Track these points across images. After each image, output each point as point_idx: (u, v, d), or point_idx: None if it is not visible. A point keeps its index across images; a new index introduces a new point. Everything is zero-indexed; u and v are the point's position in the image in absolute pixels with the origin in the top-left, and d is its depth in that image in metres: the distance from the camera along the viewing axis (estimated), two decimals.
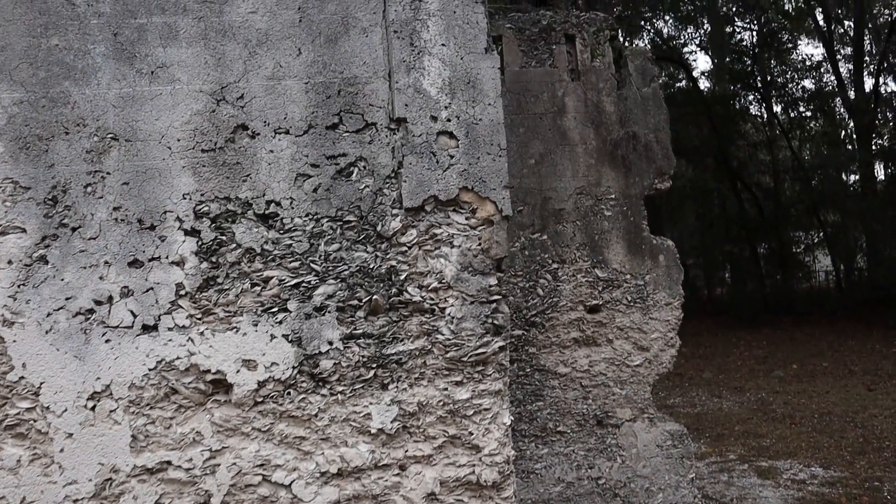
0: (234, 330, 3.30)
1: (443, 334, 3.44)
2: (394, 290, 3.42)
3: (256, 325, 3.31)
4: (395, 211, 3.42)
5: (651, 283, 7.27)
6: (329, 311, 3.36)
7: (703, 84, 23.55)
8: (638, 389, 7.19)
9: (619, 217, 7.25)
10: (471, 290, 3.45)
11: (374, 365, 3.40)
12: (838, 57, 19.76)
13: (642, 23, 22.64)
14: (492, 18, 7.16)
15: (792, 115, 21.72)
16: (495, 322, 3.49)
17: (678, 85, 22.81)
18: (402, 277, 3.42)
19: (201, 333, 3.28)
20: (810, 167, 20.29)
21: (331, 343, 3.35)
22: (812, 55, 27.99)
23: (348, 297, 3.39)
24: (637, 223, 7.28)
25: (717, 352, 16.96)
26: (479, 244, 3.47)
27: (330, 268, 3.38)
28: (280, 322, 3.33)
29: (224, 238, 3.32)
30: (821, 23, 18.76)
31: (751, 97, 21.49)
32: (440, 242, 3.45)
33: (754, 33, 21.47)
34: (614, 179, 7.27)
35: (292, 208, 3.37)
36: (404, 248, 3.43)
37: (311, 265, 3.37)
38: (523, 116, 7.13)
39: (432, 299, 3.44)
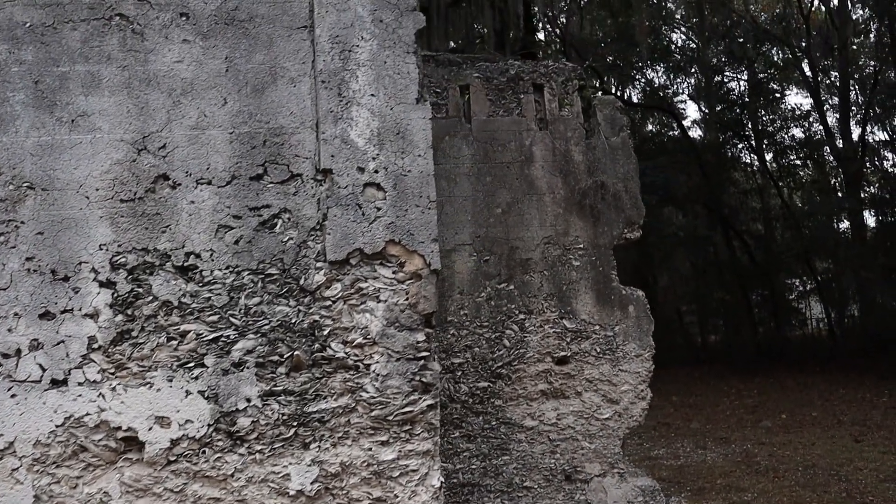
0: (148, 385, 3.18)
1: (367, 392, 3.32)
2: (317, 345, 3.31)
3: (171, 380, 3.20)
4: (319, 264, 3.33)
5: (621, 334, 7.13)
6: (248, 367, 3.25)
7: (695, 133, 23.76)
8: (608, 443, 7.00)
9: (587, 267, 7.15)
10: (397, 346, 3.34)
11: (295, 423, 3.27)
12: (826, 107, 19.94)
13: (633, 72, 22.91)
14: (460, 68, 7.20)
15: (782, 162, 21.81)
16: (423, 380, 3.37)
17: (670, 133, 22.96)
18: (326, 332, 3.32)
19: (113, 389, 3.16)
20: (801, 215, 20.29)
21: (249, 400, 3.23)
22: (801, 104, 28.20)
23: (269, 352, 3.27)
24: (606, 273, 7.18)
25: (707, 401, 16.69)
26: (407, 299, 3.37)
27: (250, 322, 3.28)
28: (196, 378, 3.21)
29: (141, 290, 3.23)
30: (808, 73, 18.98)
31: (741, 145, 21.62)
32: (366, 297, 3.35)
33: (744, 83, 21.71)
34: (583, 229, 7.19)
35: (212, 260, 3.28)
36: (328, 303, 3.33)
37: (231, 319, 3.26)
38: (490, 165, 7.09)
39: (357, 355, 3.33)
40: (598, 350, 7.08)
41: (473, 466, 6.67)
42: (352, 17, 3.47)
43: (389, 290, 3.36)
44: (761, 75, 21.04)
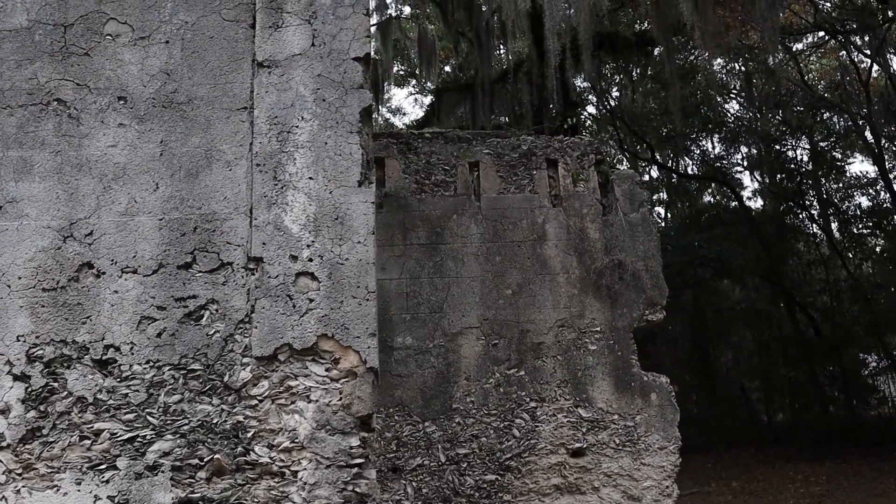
0: (55, 489, 2.95)
1: (293, 502, 3.00)
2: (240, 448, 3.03)
3: (80, 483, 2.95)
4: (245, 360, 3.08)
5: (642, 424, 6.59)
6: (163, 471, 2.98)
7: (754, 203, 22.96)
8: None
9: (604, 351, 6.70)
10: (327, 451, 3.03)
11: None
12: (892, 174, 18.93)
13: (688, 143, 22.44)
14: (469, 144, 7.02)
15: (848, 232, 20.72)
16: (357, 489, 3.03)
17: (728, 204, 22.23)
18: (250, 435, 3.04)
19: (18, 491, 2.94)
20: (870, 286, 19.08)
21: None
22: (865, 171, 27.00)
23: (187, 455, 3.01)
24: (625, 358, 6.71)
25: (769, 487, 15.43)
26: (340, 399, 3.07)
27: (168, 421, 3.03)
28: (107, 481, 2.96)
29: (56, 385, 3.03)
30: (870, 140, 18.14)
31: (803, 215, 20.69)
32: (296, 396, 3.07)
33: (803, 152, 20.95)
34: (599, 311, 6.77)
35: (132, 354, 3.07)
36: (254, 402, 3.06)
37: (149, 418, 3.03)
38: (500, 244, 6.81)
39: (283, 461, 3.02)
40: (618, 441, 6.54)
41: None
42: (292, 97, 3.32)
43: (321, 388, 3.07)
44: (822, 143, 20.26)
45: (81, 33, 3.38)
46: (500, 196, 6.91)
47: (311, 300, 3.11)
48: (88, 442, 2.99)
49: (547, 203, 6.93)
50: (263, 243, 3.16)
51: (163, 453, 3.00)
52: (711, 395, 20.42)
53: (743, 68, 19.29)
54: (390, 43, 19.85)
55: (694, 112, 19.59)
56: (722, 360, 21.98)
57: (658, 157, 22.22)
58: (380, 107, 21.80)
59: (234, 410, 3.05)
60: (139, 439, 3.01)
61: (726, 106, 21.32)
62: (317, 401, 3.05)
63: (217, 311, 3.12)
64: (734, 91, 21.16)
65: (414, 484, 6.30)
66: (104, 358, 3.06)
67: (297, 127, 3.29)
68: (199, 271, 3.16)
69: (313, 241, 3.17)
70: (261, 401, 3.06)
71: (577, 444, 6.50)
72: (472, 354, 6.58)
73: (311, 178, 3.24)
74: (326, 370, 3.08)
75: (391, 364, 6.49)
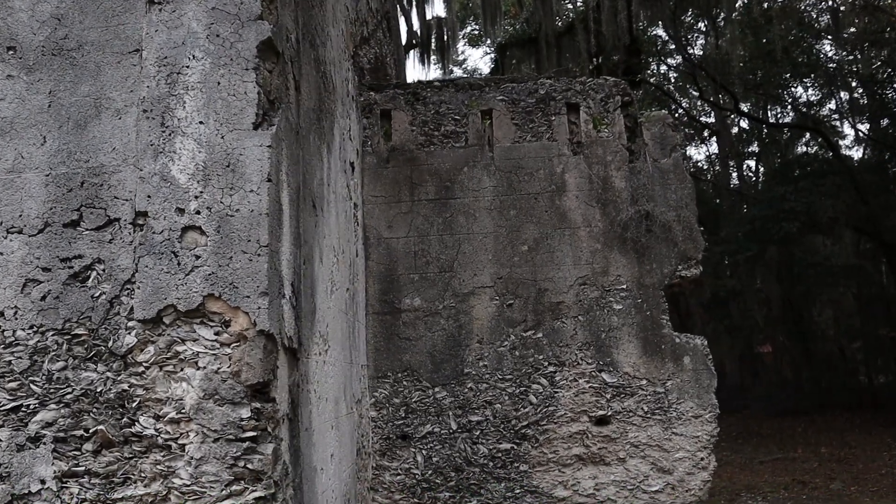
0: None
1: (181, 478, 2.75)
2: (125, 419, 2.80)
3: None
4: (130, 324, 2.83)
5: (674, 390, 6.01)
6: (45, 443, 2.79)
7: (856, 153, 21.08)
8: None
9: (631, 311, 6.12)
10: (214, 423, 2.75)
11: None
12: None
13: (779, 91, 20.76)
14: (482, 91, 6.53)
15: None
16: (249, 466, 2.75)
17: (821, 154, 20.51)
18: (136, 405, 2.80)
19: None
20: None
21: (43, 482, 2.77)
22: None
23: (71, 426, 2.81)
24: (655, 318, 6.11)
25: (862, 455, 14.24)
26: (230, 366, 2.78)
27: (52, 390, 2.83)
28: None
29: None
30: None
31: None
32: (184, 362, 2.80)
33: None
34: (625, 267, 6.19)
35: (15, 319, 2.88)
36: (141, 369, 2.82)
37: (32, 386, 2.84)
38: (515, 197, 6.32)
39: (169, 433, 2.77)
40: (646, 409, 6.00)
41: None
42: (184, 35, 2.99)
43: (210, 354, 2.78)
44: None
45: None
46: (514, 145, 6.40)
47: (198, 257, 2.81)
48: None
49: (567, 151, 6.37)
50: (149, 196, 2.88)
51: (45, 424, 2.81)
52: (807, 356, 19.08)
53: (840, 6, 17.53)
54: (455, 2, 19.29)
55: (784, 56, 18.02)
56: (817, 319, 20.46)
57: (744, 107, 20.67)
58: (449, 66, 21.30)
59: (120, 378, 2.81)
60: (23, 409, 2.82)
61: (820, 47, 19.52)
62: (204, 367, 2.77)
63: (104, 271, 2.88)
64: (828, 31, 19.34)
65: (424, 452, 6.00)
66: None
67: (187, 67, 2.97)
68: (86, 229, 2.92)
69: (202, 192, 2.86)
70: (147, 368, 2.81)
71: (601, 412, 6.00)
72: (485, 316, 6.16)
73: (201, 122, 2.92)
74: (216, 334, 2.79)
75: (399, 327, 6.17)
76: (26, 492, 2.77)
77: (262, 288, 2.79)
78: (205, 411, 2.75)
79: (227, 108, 2.93)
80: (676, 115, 21.68)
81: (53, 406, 2.82)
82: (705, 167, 24.25)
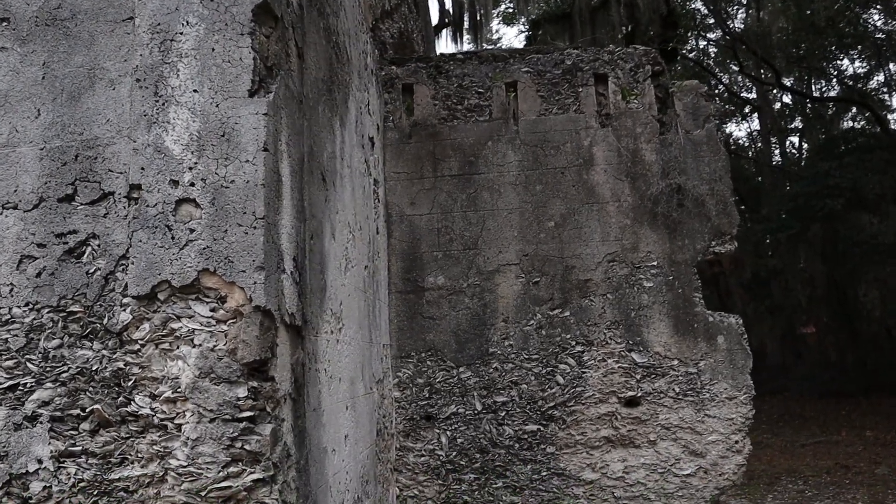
0: None
1: (177, 459, 2.66)
2: (122, 398, 2.72)
3: None
4: (125, 300, 2.74)
5: (707, 370, 5.78)
6: (41, 422, 2.73)
7: None
8: None
9: (662, 289, 5.90)
10: (210, 403, 2.65)
11: (96, 492, 2.69)
12: None
13: (824, 63, 20.01)
14: (506, 63, 6.32)
15: None
16: (247, 447, 2.65)
17: (869, 129, 19.73)
18: (132, 383, 2.71)
19: None
20: None
21: (40, 462, 2.71)
22: None
23: (68, 405, 2.74)
24: (687, 296, 5.87)
25: None
26: (226, 343, 2.67)
27: (48, 369, 2.76)
28: None
29: None
30: None
31: None
32: (179, 340, 2.71)
33: None
34: (656, 243, 5.95)
35: (12, 296, 2.81)
36: (136, 347, 2.73)
37: (28, 365, 2.77)
38: (541, 171, 6.11)
39: (165, 413, 2.68)
40: (678, 390, 5.78)
41: None
42: (177, 0, 2.87)
43: (206, 331, 2.68)
44: None
45: None
46: (540, 118, 6.19)
47: (192, 230, 2.71)
48: None
49: (594, 123, 6.14)
50: (142, 168, 2.78)
51: (42, 403, 2.74)
52: (852, 337, 18.48)
53: None
54: None
55: (829, 27, 17.32)
56: (863, 299, 19.78)
57: (787, 81, 19.97)
58: (482, 45, 21.01)
59: (115, 356, 2.73)
60: (21, 387, 2.76)
61: (868, 17, 18.71)
62: (200, 345, 2.67)
63: (98, 246, 2.80)
64: (876, 0, 18.53)
65: (448, 433, 5.89)
66: None
67: (181, 34, 2.85)
68: (81, 203, 2.84)
69: (196, 163, 2.75)
70: (143, 345, 2.72)
71: (631, 393, 5.81)
72: (511, 294, 6.00)
73: (195, 90, 2.80)
74: (212, 310, 2.69)
75: (422, 306, 6.05)
76: (24, 471, 2.72)
77: (258, 262, 2.68)
78: (201, 390, 2.66)
79: (222, 75, 2.81)
80: (717, 90, 21.06)
81: (50, 385, 2.75)
82: (746, 144, 23.57)
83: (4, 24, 3.02)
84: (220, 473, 2.64)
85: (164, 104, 2.81)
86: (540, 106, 6.21)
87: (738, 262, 18.02)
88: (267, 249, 2.71)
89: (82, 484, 2.70)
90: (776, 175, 19.64)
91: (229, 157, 2.75)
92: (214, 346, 2.67)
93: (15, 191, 2.88)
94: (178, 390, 2.68)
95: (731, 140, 22.36)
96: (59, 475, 2.71)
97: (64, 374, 2.75)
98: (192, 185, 2.74)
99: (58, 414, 2.74)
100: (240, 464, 2.65)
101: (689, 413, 5.76)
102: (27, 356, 2.78)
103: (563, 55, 6.30)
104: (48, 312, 2.79)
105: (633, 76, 6.21)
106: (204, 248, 2.70)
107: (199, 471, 2.65)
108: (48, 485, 2.71)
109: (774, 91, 20.46)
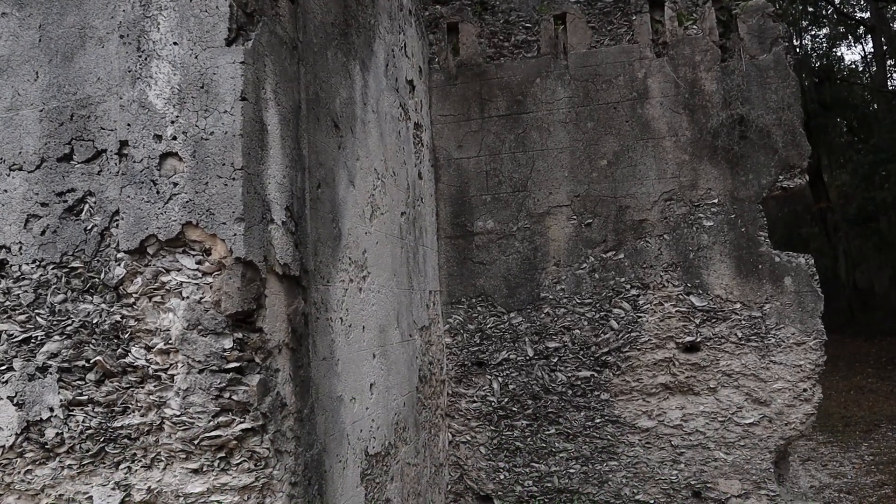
0: None
1: (172, 408, 2.74)
2: (120, 350, 2.82)
3: None
4: (119, 255, 2.81)
5: (773, 314, 5.43)
6: (51, 373, 2.87)
7: None
8: (752, 456, 5.40)
9: (723, 228, 5.54)
10: (198, 354, 2.70)
11: (102, 439, 2.82)
12: None
13: None
14: None
15: None
16: (235, 398, 2.69)
17: None
18: (128, 336, 2.80)
19: None
20: None
21: (52, 410, 2.86)
22: None
23: (74, 356, 2.86)
24: (751, 235, 5.49)
25: None
26: (212, 295, 2.70)
27: (55, 322, 2.89)
28: (6, 382, 2.93)
29: None
30: None
31: None
32: (170, 293, 2.76)
33: None
34: (717, 179, 5.57)
35: (21, 254, 2.94)
36: (131, 300, 2.80)
37: (38, 319, 2.91)
38: (592, 108, 5.81)
39: (159, 364, 2.76)
40: (740, 335, 5.48)
41: (572, 470, 5.64)
42: None
43: (193, 284, 2.72)
44: None
45: None
46: (591, 51, 5.85)
47: (176, 184, 2.72)
48: None
49: (649, 53, 5.75)
50: (128, 125, 2.81)
51: (51, 354, 2.88)
52: None
53: None
54: None
55: None
56: None
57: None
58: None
59: (113, 310, 2.82)
60: (33, 341, 2.91)
61: None
62: (188, 297, 2.72)
63: (95, 203, 2.87)
64: None
65: (500, 379, 5.85)
66: None
67: None
68: (77, 162, 2.90)
69: (178, 117, 2.75)
70: (137, 299, 2.79)
71: (689, 338, 5.56)
72: (562, 237, 5.81)
73: (175, 43, 2.78)
74: (198, 262, 2.72)
75: (472, 251, 5.96)
76: (39, 418, 2.88)
77: (237, 213, 2.67)
78: (189, 342, 2.71)
79: (200, 25, 2.77)
80: (826, 12, 19.36)
81: (57, 337, 2.88)
82: (860, 69, 21.65)
83: None
84: (211, 423, 2.70)
85: (146, 59, 2.81)
86: (591, 38, 5.87)
87: (847, 195, 16.76)
88: (247, 200, 2.69)
89: (90, 431, 2.83)
90: (891, 101, 17.95)
91: (208, 109, 2.73)
92: (201, 298, 2.71)
93: (20, 152, 2.98)
94: (170, 342, 2.74)
95: (840, 65, 20.59)
96: (69, 422, 2.85)
97: (69, 328, 2.87)
98: (175, 138, 2.74)
99: (65, 365, 2.87)
100: (229, 413, 2.71)
101: (753, 359, 5.45)
102: (37, 311, 2.91)
103: None
104: (52, 269, 2.90)
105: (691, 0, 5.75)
106: (187, 202, 2.71)
107: (192, 420, 2.72)
108: (60, 431, 2.86)
109: (892, 9, 18.57)
